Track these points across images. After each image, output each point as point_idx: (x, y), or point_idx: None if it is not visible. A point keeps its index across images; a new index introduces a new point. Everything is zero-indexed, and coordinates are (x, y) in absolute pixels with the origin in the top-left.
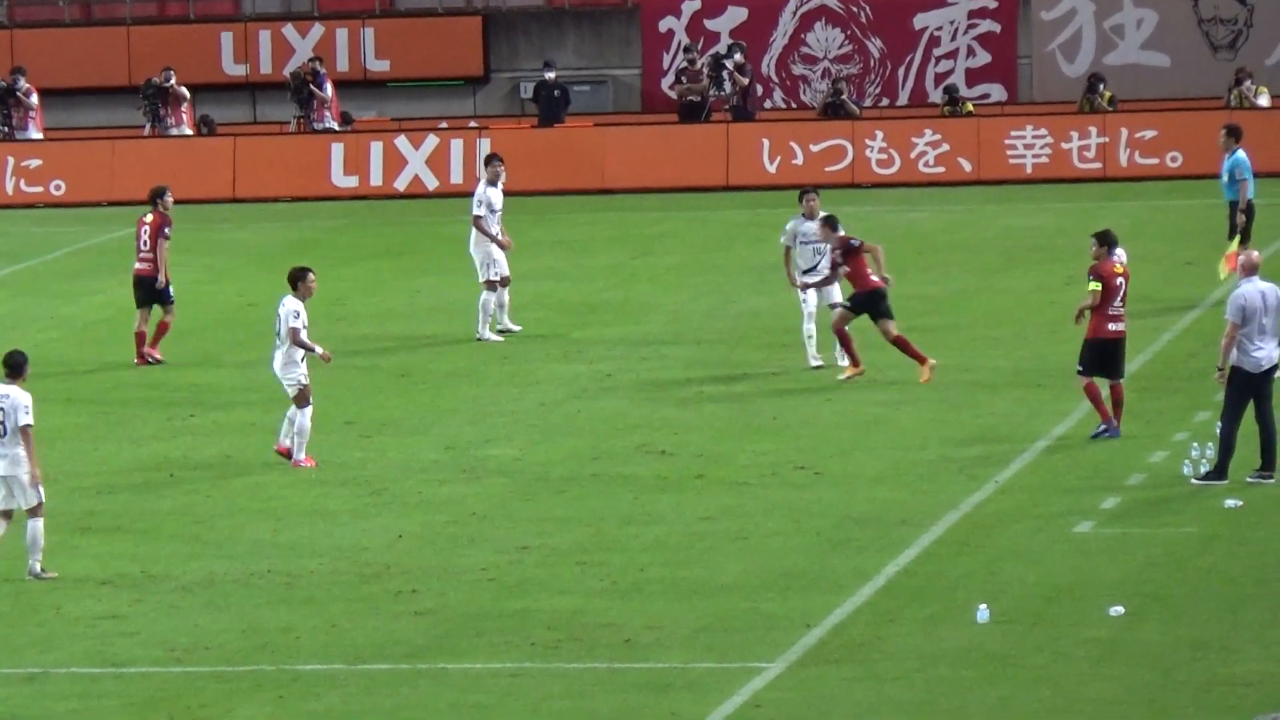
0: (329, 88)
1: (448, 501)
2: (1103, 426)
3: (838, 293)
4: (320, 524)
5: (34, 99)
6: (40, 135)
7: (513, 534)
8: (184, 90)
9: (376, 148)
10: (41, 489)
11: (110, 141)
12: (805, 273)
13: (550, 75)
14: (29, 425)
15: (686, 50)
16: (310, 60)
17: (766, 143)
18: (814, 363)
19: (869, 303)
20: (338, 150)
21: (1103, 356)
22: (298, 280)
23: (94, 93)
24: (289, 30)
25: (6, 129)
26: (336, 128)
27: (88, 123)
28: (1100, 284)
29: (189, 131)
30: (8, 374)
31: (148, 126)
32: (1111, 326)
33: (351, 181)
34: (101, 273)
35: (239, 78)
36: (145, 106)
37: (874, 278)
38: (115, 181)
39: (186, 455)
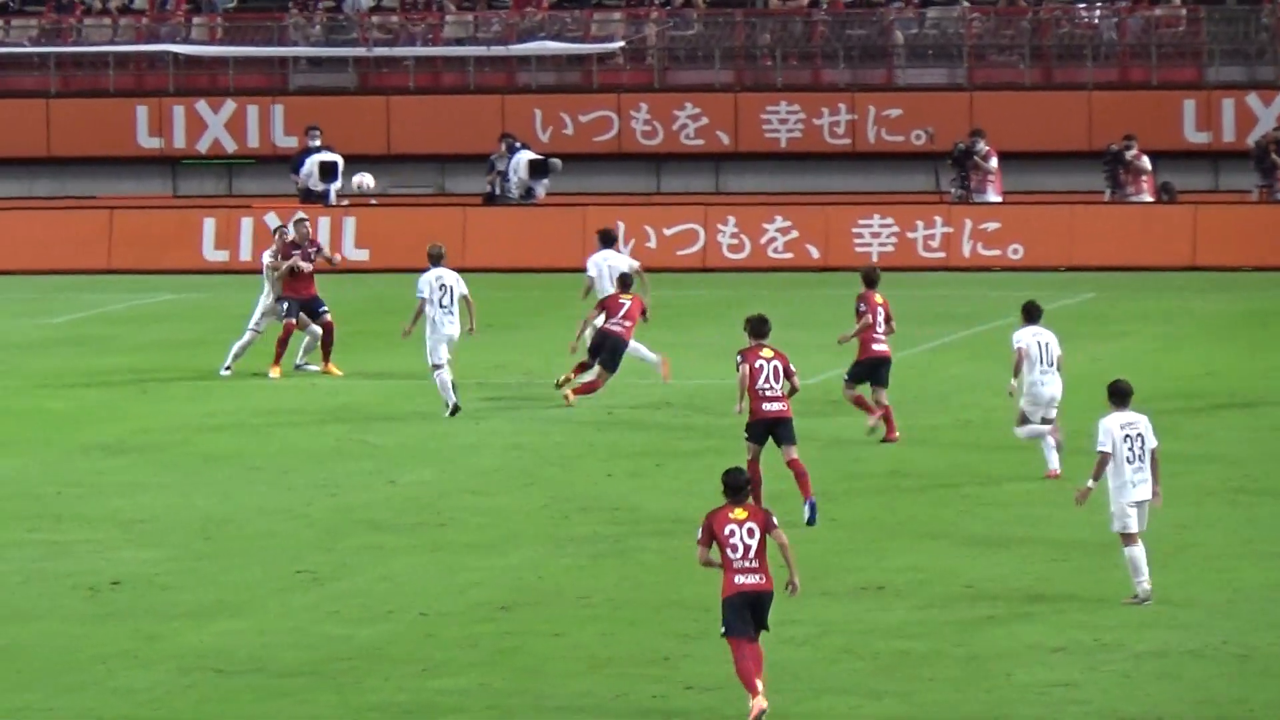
0: None
1: None
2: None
3: None
4: None
5: (993, 162)
6: (998, 199)
7: None
8: (1145, 162)
9: None
10: None
11: (1069, 206)
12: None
13: None
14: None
15: None
16: (1275, 129)
17: None
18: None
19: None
20: None
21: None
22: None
23: (1053, 157)
24: (1252, 99)
25: (965, 191)
26: None
27: (1046, 187)
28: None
29: (1149, 199)
30: (1115, 402)
31: (1107, 192)
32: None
33: None
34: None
35: (1201, 145)
36: (1105, 172)
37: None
38: (1074, 247)
39: None
